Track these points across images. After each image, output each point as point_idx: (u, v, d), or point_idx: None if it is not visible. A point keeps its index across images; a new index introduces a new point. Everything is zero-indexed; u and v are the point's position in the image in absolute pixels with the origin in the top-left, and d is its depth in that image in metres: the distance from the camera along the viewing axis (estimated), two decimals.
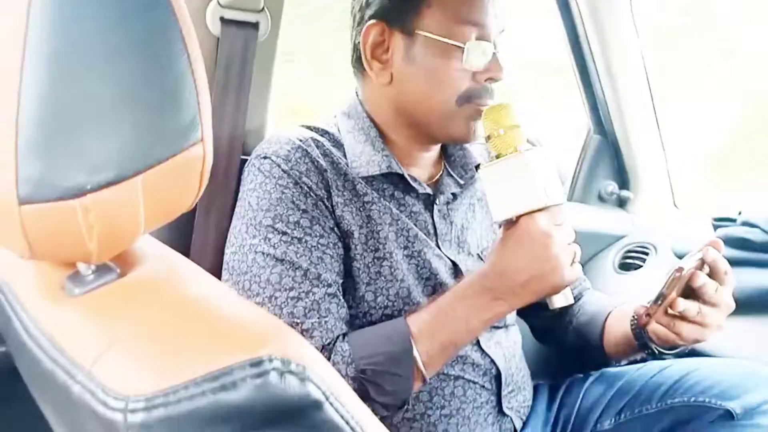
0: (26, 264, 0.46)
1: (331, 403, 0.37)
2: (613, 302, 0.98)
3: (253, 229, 0.77)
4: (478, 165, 0.93)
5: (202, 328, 0.38)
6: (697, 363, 0.94)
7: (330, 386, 0.37)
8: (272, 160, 0.79)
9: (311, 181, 0.79)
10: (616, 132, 1.51)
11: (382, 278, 0.81)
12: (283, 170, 0.78)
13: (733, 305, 0.82)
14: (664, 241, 1.38)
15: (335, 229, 0.80)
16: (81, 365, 0.37)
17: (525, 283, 0.74)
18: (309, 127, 0.87)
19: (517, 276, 0.74)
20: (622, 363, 1.00)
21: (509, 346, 0.92)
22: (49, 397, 0.46)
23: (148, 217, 0.41)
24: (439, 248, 0.88)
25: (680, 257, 1.12)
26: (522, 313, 1.03)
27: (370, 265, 0.81)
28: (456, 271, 0.88)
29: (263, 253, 0.76)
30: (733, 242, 1.12)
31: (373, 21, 0.82)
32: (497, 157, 0.75)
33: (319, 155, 0.81)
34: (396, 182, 0.86)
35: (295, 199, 0.78)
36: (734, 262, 0.84)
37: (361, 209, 0.82)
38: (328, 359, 0.74)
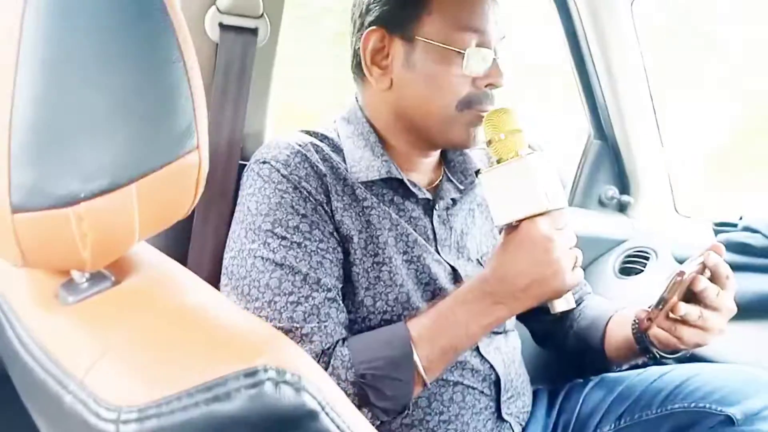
0: (20, 272, 0.46)
1: (327, 413, 0.36)
2: (614, 306, 0.98)
3: (253, 234, 0.77)
4: (478, 170, 0.93)
5: (197, 337, 0.38)
6: (698, 368, 0.93)
7: (326, 396, 0.37)
8: (271, 165, 0.79)
9: (310, 185, 0.78)
10: (616, 137, 1.51)
11: (382, 283, 0.81)
12: (282, 175, 0.78)
13: (735, 309, 0.81)
14: (664, 246, 1.38)
15: (334, 233, 0.80)
16: (73, 375, 0.37)
17: (526, 288, 0.73)
18: (308, 132, 0.86)
19: (518, 280, 0.73)
20: (623, 367, 1.00)
21: (508, 352, 0.92)
22: (41, 408, 0.45)
23: (143, 224, 0.41)
24: (438, 253, 0.87)
25: (681, 262, 1.12)
26: (523, 317, 1.03)
27: (369, 270, 0.81)
28: (455, 276, 0.88)
29: (262, 258, 0.75)
30: (734, 247, 1.12)
31: (373, 27, 0.82)
32: (498, 161, 0.75)
33: (319, 160, 0.81)
34: (395, 187, 0.86)
35: (294, 203, 0.77)
36: (735, 267, 0.84)
37: (360, 214, 0.82)
38: (328, 364, 0.74)
